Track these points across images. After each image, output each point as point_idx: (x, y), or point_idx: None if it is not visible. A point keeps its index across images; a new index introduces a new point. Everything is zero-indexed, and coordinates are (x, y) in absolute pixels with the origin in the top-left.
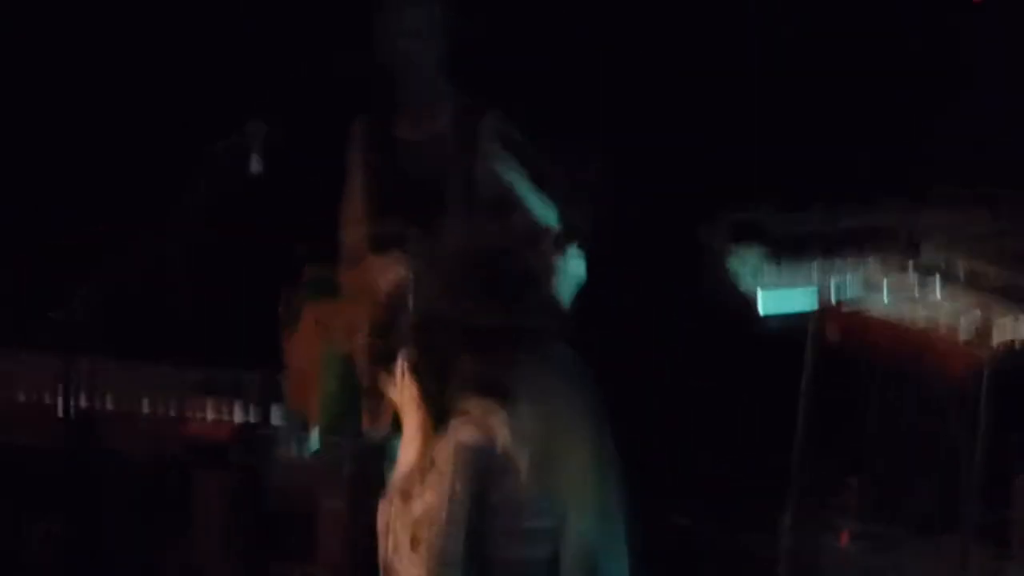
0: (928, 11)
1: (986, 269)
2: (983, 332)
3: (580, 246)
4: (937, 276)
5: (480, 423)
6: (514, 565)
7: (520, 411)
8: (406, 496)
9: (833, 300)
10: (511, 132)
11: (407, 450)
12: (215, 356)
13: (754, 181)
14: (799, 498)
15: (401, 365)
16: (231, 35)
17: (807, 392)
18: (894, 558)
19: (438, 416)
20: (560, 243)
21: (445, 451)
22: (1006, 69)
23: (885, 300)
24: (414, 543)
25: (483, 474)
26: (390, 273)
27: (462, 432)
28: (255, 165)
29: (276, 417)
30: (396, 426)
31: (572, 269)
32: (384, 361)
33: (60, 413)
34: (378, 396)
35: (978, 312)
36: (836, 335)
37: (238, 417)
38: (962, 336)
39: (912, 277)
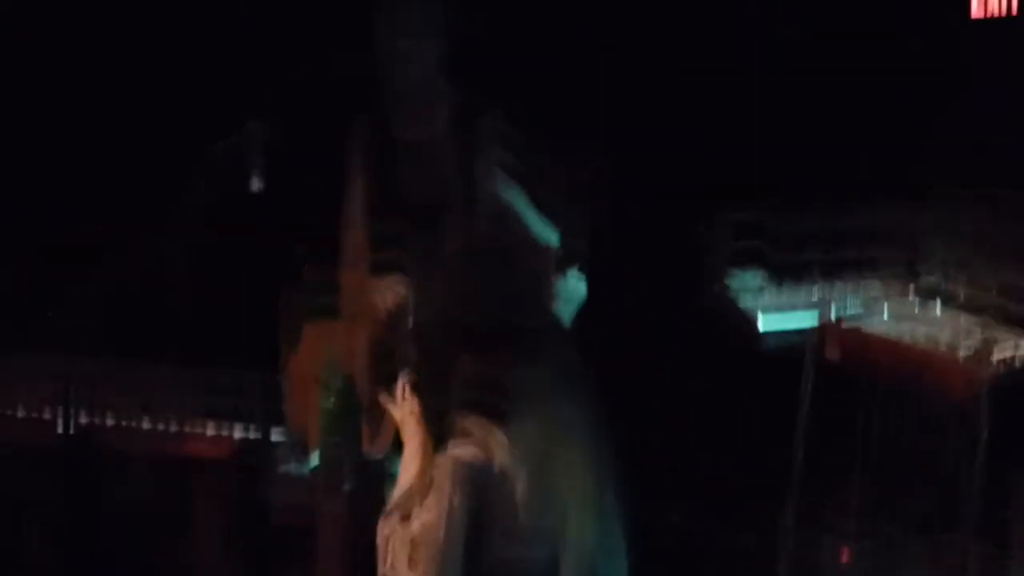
0: (928, 11)
1: (985, 290)
2: (983, 351)
3: (580, 269)
4: (938, 300)
5: (479, 442)
6: (514, 570)
7: (518, 430)
8: (405, 514)
9: (833, 318)
10: (510, 131)
11: (407, 469)
12: (215, 357)
13: (754, 181)
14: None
15: (402, 384)
16: (231, 35)
17: (807, 407)
18: (894, 561)
19: (438, 435)
20: (560, 265)
21: (444, 469)
22: (1006, 69)
23: (885, 318)
24: (412, 561)
25: (481, 491)
26: (390, 294)
27: (461, 450)
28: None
29: (276, 435)
30: (396, 446)
31: (572, 290)
32: (385, 381)
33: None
34: (379, 415)
35: (979, 332)
36: (836, 351)
37: (238, 434)
38: (962, 354)
39: (913, 300)
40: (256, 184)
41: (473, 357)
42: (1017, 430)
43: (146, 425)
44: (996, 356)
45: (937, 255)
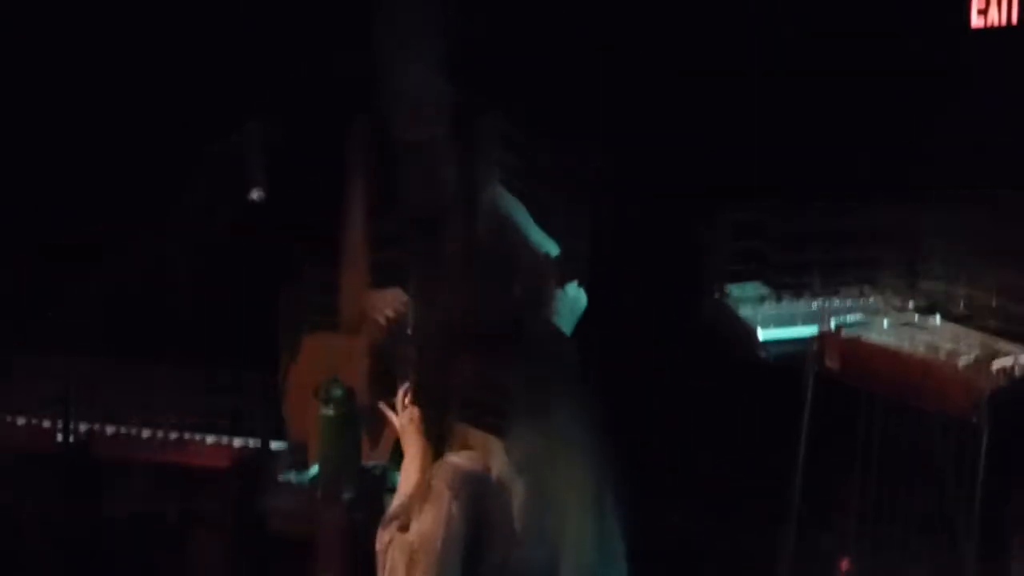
0: (928, 11)
1: (986, 293)
2: (983, 360)
3: (580, 283)
4: (937, 315)
5: (477, 449)
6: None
7: (517, 436)
8: (405, 522)
9: (832, 327)
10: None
11: (407, 477)
12: (214, 361)
13: (754, 181)
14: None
15: (402, 392)
16: (231, 35)
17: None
18: (894, 564)
19: (438, 443)
20: (560, 274)
21: (442, 476)
22: (1006, 69)
23: (885, 327)
24: (410, 569)
25: (479, 499)
26: (390, 302)
27: (459, 458)
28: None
29: (276, 443)
30: (396, 457)
31: (572, 300)
32: (385, 389)
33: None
34: (378, 424)
35: (979, 340)
36: (836, 360)
37: (237, 442)
38: (962, 363)
39: (913, 309)
40: (256, 184)
41: (472, 362)
42: (1018, 438)
43: (145, 433)
44: (996, 365)
45: (937, 260)
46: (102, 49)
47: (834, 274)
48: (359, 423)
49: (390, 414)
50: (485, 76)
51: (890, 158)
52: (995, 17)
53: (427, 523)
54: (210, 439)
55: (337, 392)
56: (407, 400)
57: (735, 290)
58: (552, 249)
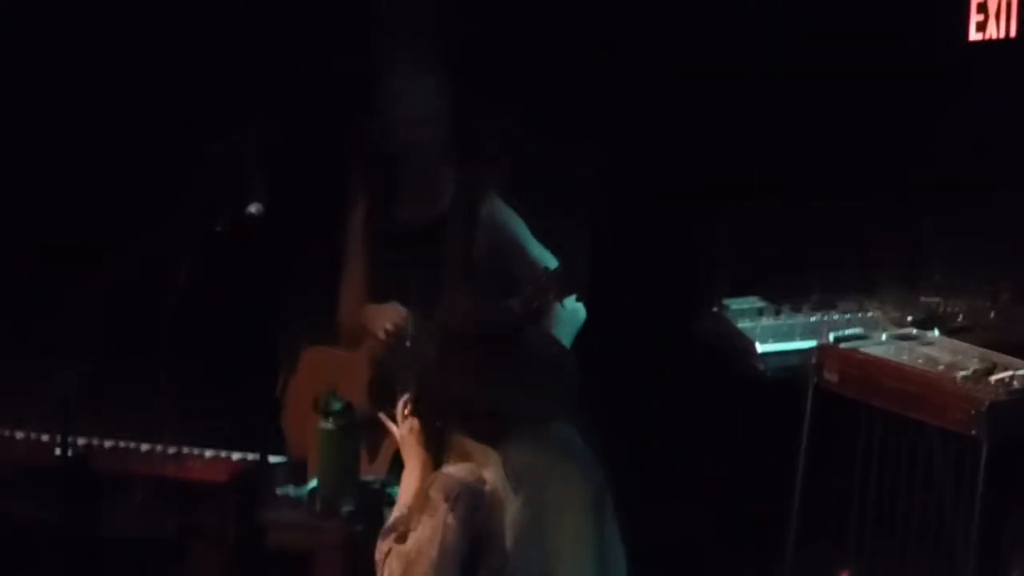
0: (928, 11)
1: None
2: (981, 371)
3: (579, 297)
4: (936, 328)
5: (476, 461)
6: None
7: (515, 450)
8: (403, 532)
9: (831, 339)
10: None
11: (407, 487)
12: (214, 363)
13: (754, 181)
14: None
15: (402, 403)
16: (231, 35)
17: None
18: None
19: (438, 454)
20: (561, 291)
21: (439, 487)
22: (1006, 69)
23: (883, 339)
24: None
25: (475, 511)
26: (389, 316)
27: (456, 469)
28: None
29: (274, 458)
30: (396, 468)
31: (571, 312)
32: (384, 402)
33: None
34: (378, 435)
35: (978, 353)
36: (834, 373)
37: (236, 456)
38: (960, 375)
39: (911, 321)
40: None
41: (471, 373)
42: (1017, 451)
43: (144, 446)
44: (995, 378)
45: (936, 272)
46: (102, 49)
47: (833, 276)
48: (358, 436)
49: (390, 425)
50: (485, 76)
51: (890, 158)
52: (993, 31)
53: (424, 534)
54: (208, 452)
55: (336, 405)
56: (407, 411)
57: (733, 304)
58: (551, 262)
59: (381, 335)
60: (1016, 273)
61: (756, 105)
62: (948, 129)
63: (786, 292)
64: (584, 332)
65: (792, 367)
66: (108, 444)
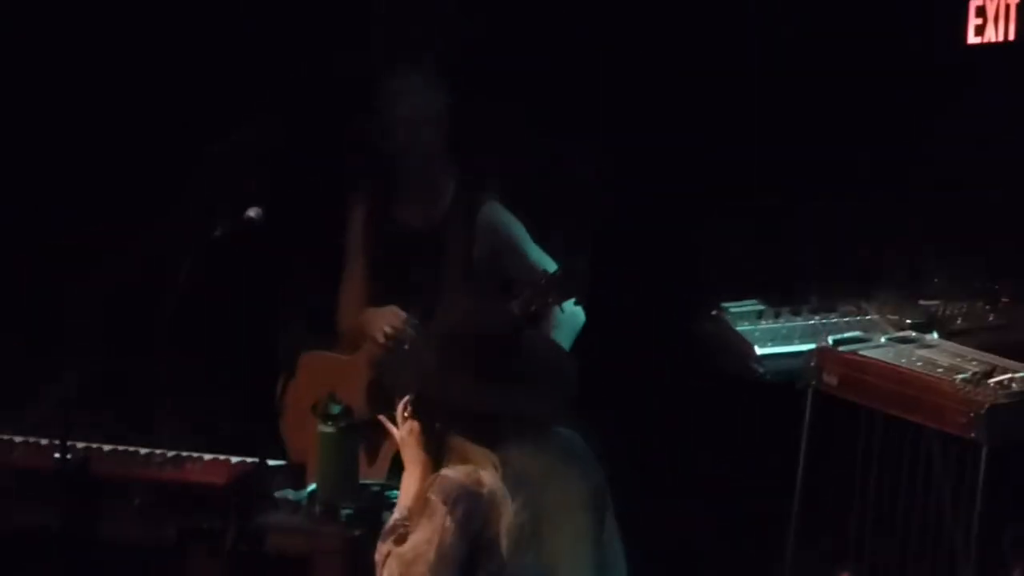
0: (928, 11)
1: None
2: (981, 374)
3: (578, 301)
4: (935, 331)
5: (475, 463)
6: None
7: (514, 453)
8: (402, 534)
9: (830, 342)
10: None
11: (407, 489)
12: (213, 365)
13: (754, 181)
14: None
15: (402, 405)
16: (232, 35)
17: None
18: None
19: (437, 456)
20: (559, 295)
21: (437, 490)
22: (1006, 69)
23: (883, 342)
24: None
25: (474, 513)
26: (388, 319)
27: (455, 472)
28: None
29: (274, 461)
30: (395, 471)
31: (570, 316)
32: (383, 406)
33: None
34: (378, 438)
35: (977, 356)
36: (834, 376)
37: (235, 460)
38: (960, 378)
39: (910, 323)
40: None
41: (470, 376)
42: (1016, 454)
43: (143, 450)
44: (994, 381)
45: (934, 275)
46: (102, 49)
47: (832, 278)
48: (357, 440)
49: (390, 427)
50: (485, 76)
51: (890, 158)
52: (992, 35)
53: (422, 536)
54: (208, 456)
55: (335, 409)
56: (406, 413)
57: (733, 307)
58: (550, 266)
59: (380, 338)
60: (1016, 273)
61: (756, 105)
62: (948, 129)
63: (785, 295)
64: (584, 333)
65: (791, 370)
66: (107, 448)
